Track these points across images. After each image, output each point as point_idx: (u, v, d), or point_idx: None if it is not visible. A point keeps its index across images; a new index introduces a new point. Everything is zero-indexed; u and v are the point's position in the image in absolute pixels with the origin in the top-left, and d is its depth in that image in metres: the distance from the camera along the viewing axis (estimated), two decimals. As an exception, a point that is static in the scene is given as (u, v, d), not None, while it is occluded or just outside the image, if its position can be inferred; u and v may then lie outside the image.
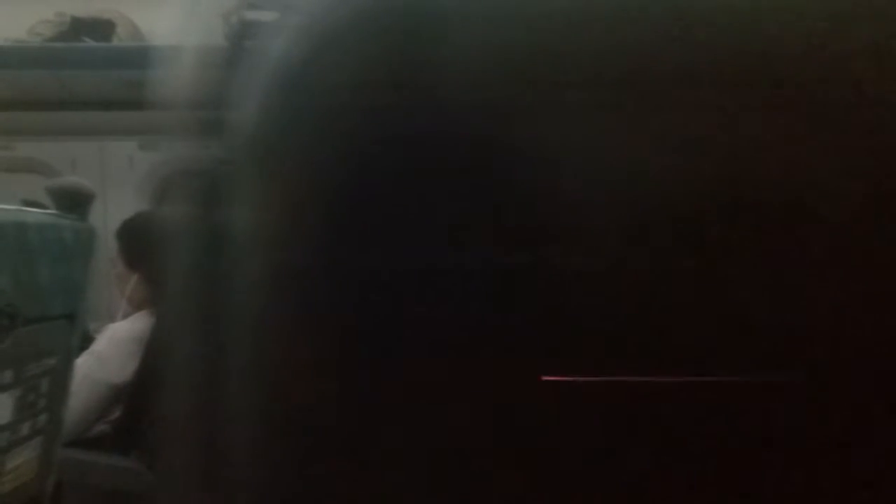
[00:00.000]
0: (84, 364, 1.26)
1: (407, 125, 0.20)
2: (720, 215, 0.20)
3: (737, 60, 0.20)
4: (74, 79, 1.83)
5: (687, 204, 0.20)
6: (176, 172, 0.26)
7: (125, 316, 1.46)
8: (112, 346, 1.35)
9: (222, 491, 0.23)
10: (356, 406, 0.21)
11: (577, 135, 0.20)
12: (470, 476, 0.21)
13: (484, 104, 0.20)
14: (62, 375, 0.75)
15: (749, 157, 0.20)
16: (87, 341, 1.34)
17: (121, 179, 2.02)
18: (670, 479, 0.21)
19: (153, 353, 1.28)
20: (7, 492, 0.69)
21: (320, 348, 0.22)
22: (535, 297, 0.20)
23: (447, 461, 0.21)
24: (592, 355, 0.20)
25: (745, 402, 0.20)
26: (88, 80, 1.82)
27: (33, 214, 0.70)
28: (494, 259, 0.20)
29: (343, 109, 0.21)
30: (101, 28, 2.03)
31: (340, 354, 0.21)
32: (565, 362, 0.20)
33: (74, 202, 0.77)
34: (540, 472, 0.21)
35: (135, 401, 1.31)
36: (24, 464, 0.71)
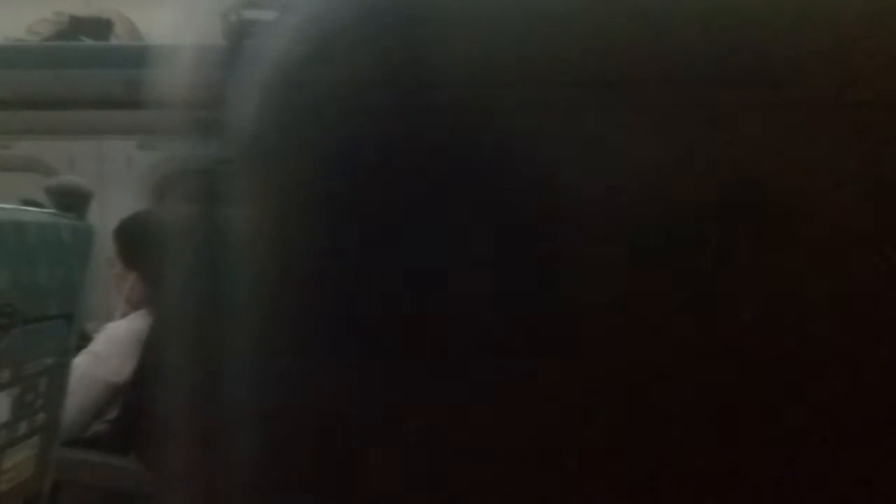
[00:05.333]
0: (82, 363, 1.26)
1: (406, 125, 0.20)
2: (720, 215, 0.20)
3: (736, 60, 0.20)
4: (73, 78, 1.83)
5: (687, 204, 0.20)
6: (174, 172, 0.26)
7: (123, 315, 1.46)
8: (110, 345, 1.35)
9: (222, 491, 0.23)
10: (356, 406, 0.21)
11: (578, 135, 0.20)
12: (475, 478, 0.21)
13: (484, 104, 0.20)
14: (60, 374, 0.75)
15: (749, 157, 0.20)
16: (85, 340, 1.33)
17: (119, 179, 2.02)
18: (674, 481, 0.21)
19: (151, 352, 1.28)
20: (4, 491, 0.69)
21: (320, 349, 0.22)
22: (536, 297, 0.20)
23: (449, 462, 0.21)
24: (593, 355, 0.20)
25: (744, 402, 0.20)
26: (87, 78, 1.82)
27: (31, 213, 0.70)
28: (495, 259, 0.20)
29: (342, 109, 0.21)
30: (99, 27, 2.03)
31: (341, 355, 0.21)
32: (566, 362, 0.20)
33: (72, 201, 0.77)
34: (544, 472, 0.21)
35: (133, 400, 1.31)
36: (22, 463, 0.71)
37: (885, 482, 0.20)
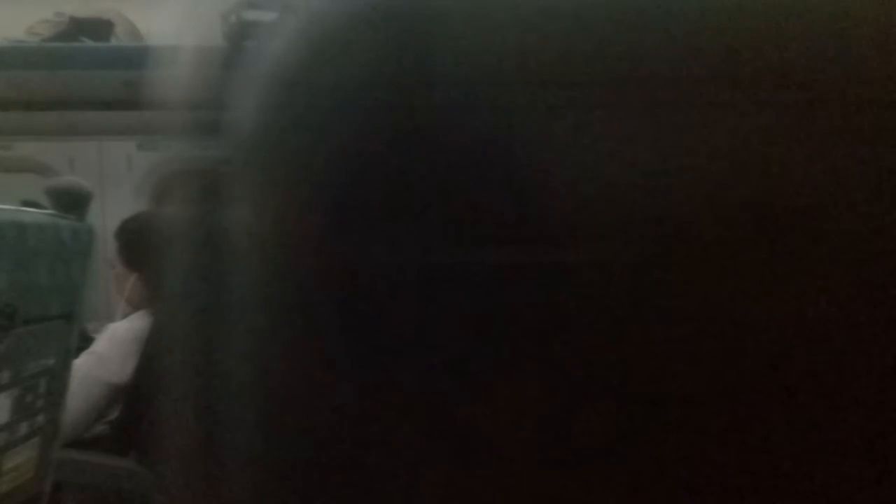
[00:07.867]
0: (83, 363, 1.26)
1: (406, 125, 0.20)
2: (720, 215, 0.20)
3: (736, 60, 0.20)
4: (73, 79, 1.83)
5: (686, 203, 0.20)
6: (175, 172, 0.26)
7: (124, 316, 1.46)
8: (112, 346, 1.35)
9: (222, 492, 0.23)
10: (357, 406, 0.21)
11: (576, 134, 0.20)
12: (474, 477, 0.21)
13: (483, 104, 0.20)
14: (60, 375, 0.75)
15: (750, 156, 0.20)
16: (86, 341, 1.33)
17: (119, 179, 2.02)
18: (673, 484, 0.21)
19: (152, 353, 1.28)
20: (5, 492, 0.69)
21: (320, 348, 0.22)
22: (534, 296, 0.20)
23: (449, 461, 0.21)
24: (591, 354, 0.20)
25: (745, 402, 0.20)
26: (87, 79, 1.82)
27: (32, 214, 0.70)
28: (494, 258, 0.20)
29: (342, 109, 0.21)
30: (99, 28, 2.02)
31: (340, 354, 0.21)
32: (566, 363, 0.20)
33: (73, 202, 0.77)
34: (542, 472, 0.21)
35: (134, 401, 1.31)
36: (23, 464, 0.71)
37: (887, 484, 0.20)
